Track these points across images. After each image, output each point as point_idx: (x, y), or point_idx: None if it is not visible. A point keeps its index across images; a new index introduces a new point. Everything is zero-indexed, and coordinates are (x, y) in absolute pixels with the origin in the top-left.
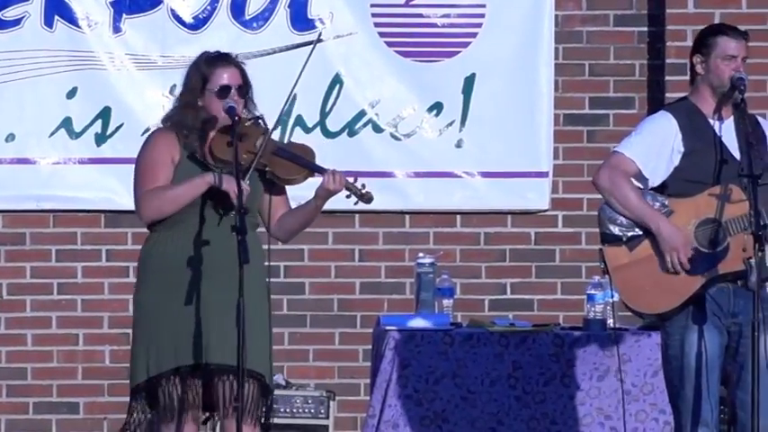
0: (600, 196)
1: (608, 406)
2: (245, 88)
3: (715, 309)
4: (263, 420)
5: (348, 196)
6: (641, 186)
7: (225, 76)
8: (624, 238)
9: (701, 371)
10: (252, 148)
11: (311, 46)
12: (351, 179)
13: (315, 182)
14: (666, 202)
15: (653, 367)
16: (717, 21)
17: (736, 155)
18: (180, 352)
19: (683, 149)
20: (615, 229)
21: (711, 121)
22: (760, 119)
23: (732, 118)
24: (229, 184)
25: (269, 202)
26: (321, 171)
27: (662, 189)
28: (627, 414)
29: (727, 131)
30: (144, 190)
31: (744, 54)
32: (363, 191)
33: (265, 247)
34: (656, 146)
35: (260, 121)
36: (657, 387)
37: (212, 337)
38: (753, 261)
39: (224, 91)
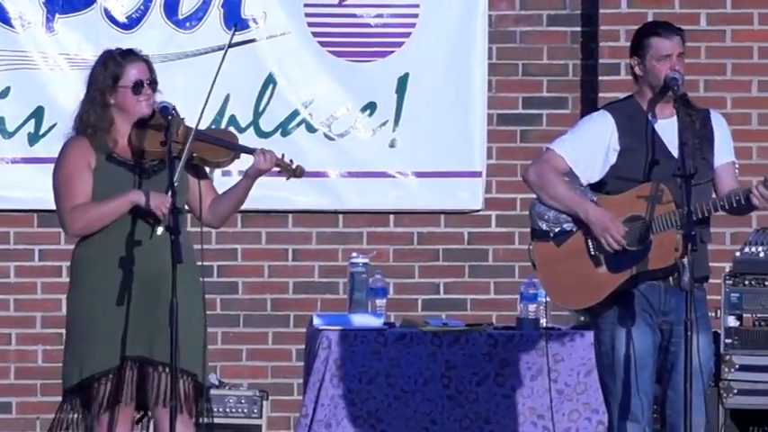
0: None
1: (541, 405)
2: (154, 82)
3: (646, 306)
4: (200, 419)
5: (279, 172)
6: (580, 184)
7: (135, 72)
8: (552, 234)
9: (630, 367)
10: (175, 137)
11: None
12: (279, 155)
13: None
14: (595, 198)
15: (586, 367)
16: (650, 20)
17: (675, 154)
18: (112, 352)
19: (618, 148)
20: (543, 225)
21: (652, 120)
22: (714, 115)
23: (677, 116)
24: (155, 201)
25: (198, 189)
26: (250, 151)
27: (600, 187)
28: (559, 413)
29: (668, 130)
30: (68, 206)
31: (679, 50)
32: (293, 166)
33: (198, 246)
34: (588, 144)
35: (173, 111)
36: (590, 386)
37: (145, 336)
38: (685, 261)
39: (138, 86)
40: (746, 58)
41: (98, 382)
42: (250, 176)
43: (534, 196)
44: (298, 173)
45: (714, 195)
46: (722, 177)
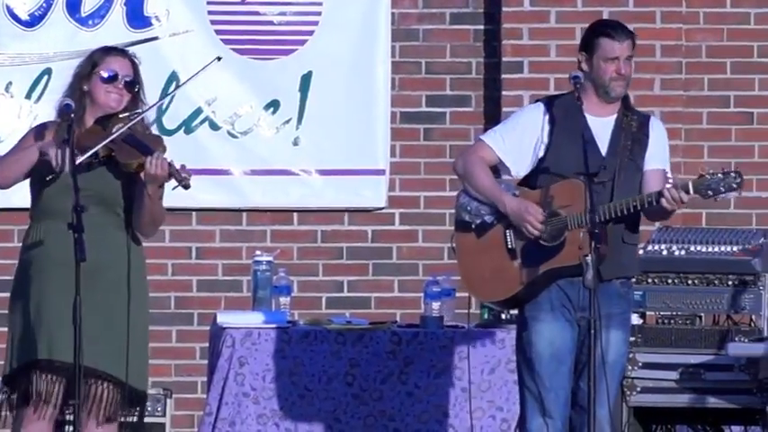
0: (438, 194)
1: (445, 403)
2: (134, 83)
3: (565, 301)
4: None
5: (168, 179)
6: (510, 175)
7: (115, 65)
8: (473, 225)
9: (545, 362)
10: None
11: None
12: (177, 165)
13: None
14: (517, 193)
15: (490, 364)
16: (553, 19)
17: (603, 152)
18: (32, 349)
19: (547, 141)
20: (466, 216)
21: (589, 117)
22: (653, 121)
23: (616, 116)
24: (52, 151)
25: (129, 195)
26: (149, 153)
27: (529, 180)
28: (464, 411)
29: (603, 128)
30: None
31: (627, 54)
32: (184, 178)
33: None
34: (518, 136)
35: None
36: (495, 384)
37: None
38: (589, 259)
39: (110, 77)
40: (649, 57)
41: (23, 375)
42: (146, 183)
43: (438, 194)
44: (185, 184)
45: None
46: (649, 182)
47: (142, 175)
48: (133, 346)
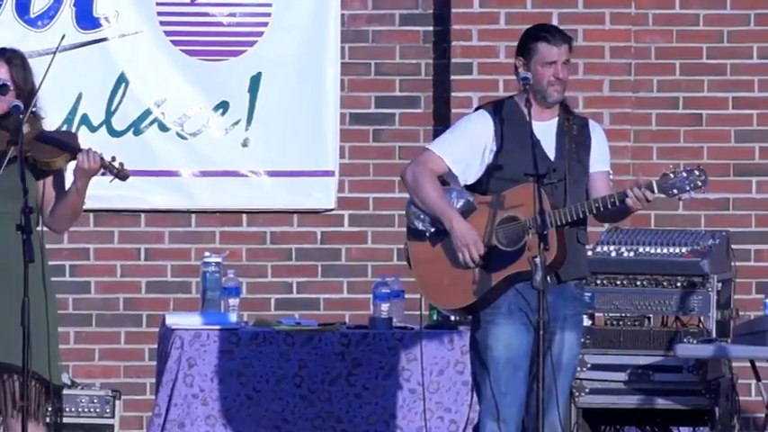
0: (387, 195)
1: (393, 405)
2: (8, 87)
3: (522, 305)
4: (49, 420)
5: (104, 174)
6: (458, 183)
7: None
8: (427, 234)
9: (502, 366)
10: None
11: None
12: (108, 157)
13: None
14: (471, 199)
15: (439, 366)
16: (502, 20)
17: (552, 156)
18: None
19: (495, 148)
20: (419, 225)
21: (531, 122)
22: (592, 124)
23: (557, 120)
24: None
25: (42, 192)
26: (77, 151)
27: (478, 186)
28: (412, 412)
29: (546, 132)
30: None
31: (564, 58)
32: (120, 168)
33: (49, 246)
34: (466, 144)
35: (32, 112)
36: (443, 386)
37: None
38: (537, 260)
39: None
40: (598, 58)
41: None
42: (78, 178)
43: (388, 196)
44: (122, 176)
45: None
46: (595, 184)
47: (73, 170)
48: (51, 341)
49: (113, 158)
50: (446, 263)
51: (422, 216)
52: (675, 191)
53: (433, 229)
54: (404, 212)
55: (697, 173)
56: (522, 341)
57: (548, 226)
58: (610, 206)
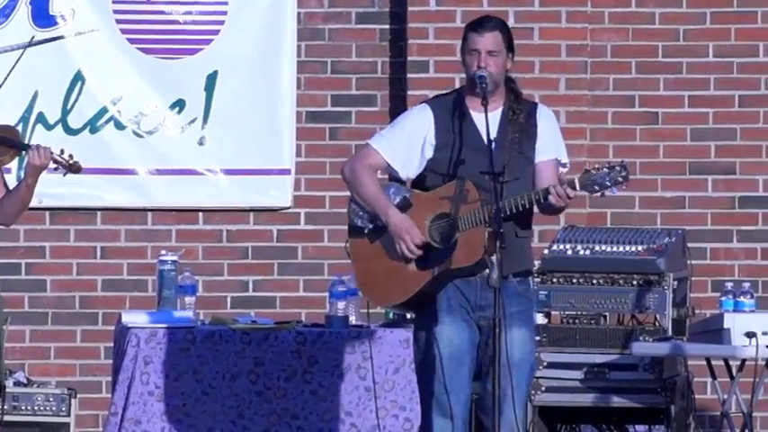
0: (343, 193)
1: (349, 402)
2: None
3: (463, 302)
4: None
5: (56, 169)
6: (400, 178)
7: None
8: (366, 230)
9: (445, 363)
10: None
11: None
12: (57, 151)
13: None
14: (408, 195)
15: (394, 364)
16: (458, 19)
17: (491, 148)
18: None
19: (434, 142)
20: (358, 221)
21: (474, 114)
22: (542, 110)
23: (501, 109)
24: None
25: None
26: (26, 148)
27: (422, 181)
28: (367, 410)
29: (488, 124)
30: None
31: (489, 48)
32: (71, 161)
33: (4, 244)
34: (405, 139)
35: None
36: (399, 384)
37: None
38: (494, 258)
39: None
40: (554, 56)
41: None
42: (29, 174)
43: (344, 194)
44: (74, 169)
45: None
46: (541, 174)
47: (24, 166)
48: None
49: (62, 151)
50: (384, 259)
51: (360, 213)
52: (597, 187)
53: (371, 226)
54: None
55: (618, 169)
56: (463, 337)
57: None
58: (534, 203)
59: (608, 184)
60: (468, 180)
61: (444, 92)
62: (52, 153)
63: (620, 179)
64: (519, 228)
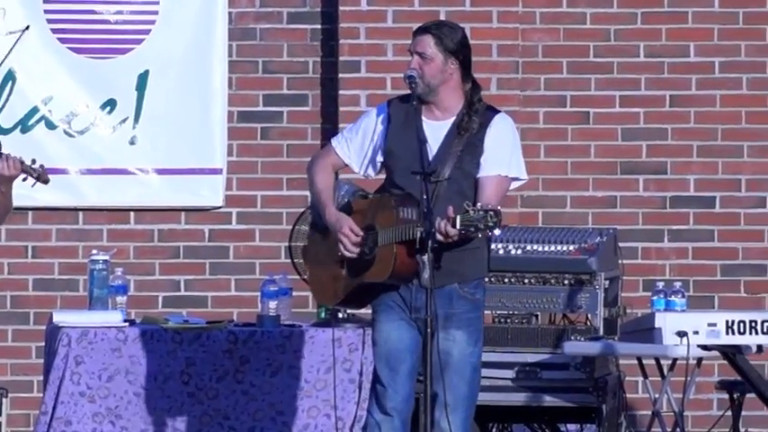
0: (275, 193)
1: (281, 402)
2: None
3: (400, 302)
4: None
5: (25, 179)
6: (362, 177)
7: None
8: (320, 228)
9: (384, 360)
10: None
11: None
12: (28, 161)
13: None
14: (352, 200)
15: (326, 363)
16: (389, 19)
17: (432, 158)
18: None
19: (385, 146)
20: (317, 219)
21: (425, 121)
22: (496, 120)
23: (453, 120)
24: None
25: None
26: None
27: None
28: (299, 410)
29: (437, 132)
30: None
31: (419, 49)
32: (41, 171)
33: None
34: (360, 138)
35: None
36: (330, 383)
37: None
38: (426, 258)
39: None
40: (485, 56)
41: None
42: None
43: (274, 193)
44: (43, 179)
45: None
46: (480, 190)
47: None
48: None
49: (33, 161)
50: (328, 261)
51: (318, 211)
52: (472, 229)
53: (321, 227)
54: (292, 210)
55: (491, 214)
56: (402, 336)
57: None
58: (418, 236)
59: (481, 227)
60: (389, 195)
61: (406, 93)
62: (22, 163)
63: (490, 224)
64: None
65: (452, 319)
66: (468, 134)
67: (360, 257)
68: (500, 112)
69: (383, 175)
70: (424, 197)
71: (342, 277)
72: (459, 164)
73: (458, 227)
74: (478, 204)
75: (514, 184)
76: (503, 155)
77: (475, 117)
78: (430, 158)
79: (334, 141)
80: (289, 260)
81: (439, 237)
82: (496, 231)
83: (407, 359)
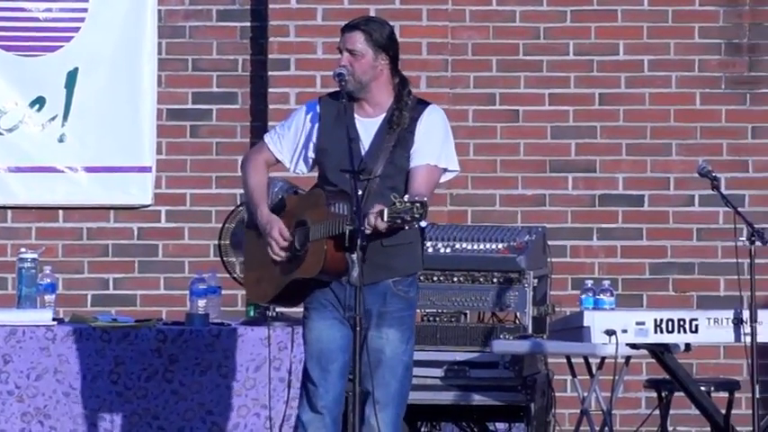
0: (204, 191)
1: (210, 401)
2: None
3: (333, 300)
4: None
5: None
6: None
7: None
8: (253, 226)
9: (315, 359)
10: None
11: None
12: None
13: None
14: (286, 196)
15: (255, 362)
16: (319, 16)
17: (364, 154)
18: None
19: (317, 142)
20: (249, 216)
21: (357, 118)
22: (427, 112)
23: (383, 116)
24: None
25: None
26: None
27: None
28: (229, 409)
29: (369, 128)
30: None
31: (349, 46)
32: None
33: None
34: (292, 134)
35: None
36: (260, 382)
37: None
38: (355, 256)
39: None
40: (415, 54)
41: None
42: None
43: (205, 192)
44: None
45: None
46: (409, 180)
47: None
48: None
49: None
50: (261, 257)
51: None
52: (399, 221)
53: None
54: (221, 208)
55: (418, 205)
56: (334, 335)
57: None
58: (346, 229)
59: (407, 219)
60: (321, 190)
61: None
62: None
63: (416, 216)
64: (387, 237)
65: (385, 317)
66: (400, 128)
67: (291, 254)
68: (431, 104)
69: (316, 173)
70: (356, 195)
71: (274, 274)
72: (392, 159)
73: (385, 219)
74: (406, 196)
75: (447, 176)
76: (433, 145)
77: (405, 111)
78: (362, 155)
79: (266, 137)
80: (217, 258)
81: (368, 230)
82: (423, 223)
83: (339, 358)
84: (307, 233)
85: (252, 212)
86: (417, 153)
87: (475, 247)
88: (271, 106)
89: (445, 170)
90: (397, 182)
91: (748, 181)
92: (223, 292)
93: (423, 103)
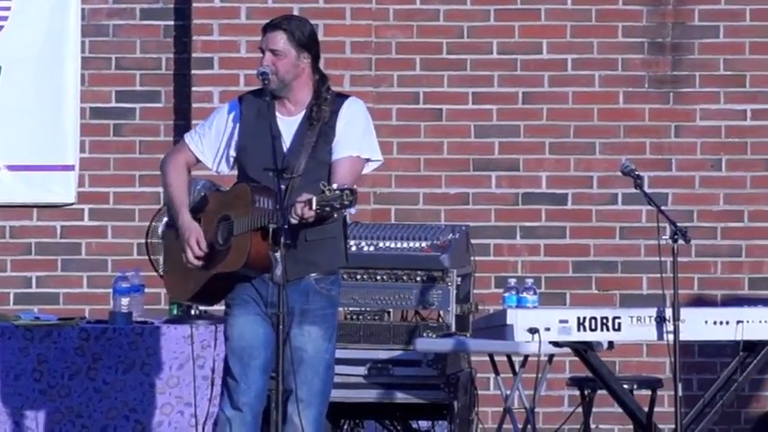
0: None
1: (134, 399)
2: None
3: (256, 297)
4: None
5: None
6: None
7: None
8: (173, 224)
9: (236, 355)
10: None
11: None
12: None
13: None
14: (208, 193)
15: (179, 360)
16: (243, 15)
17: (286, 151)
18: None
19: (238, 142)
20: (170, 215)
21: (278, 116)
22: (347, 104)
23: (303, 112)
24: None
25: None
26: None
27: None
28: (152, 407)
29: (291, 126)
30: None
31: (271, 46)
32: None
33: None
34: (213, 134)
35: None
36: (183, 380)
37: None
38: (278, 254)
39: None
40: (338, 53)
41: None
42: None
43: (126, 191)
44: None
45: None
46: (332, 172)
47: None
48: None
49: None
50: (180, 254)
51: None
52: (328, 209)
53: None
54: (144, 207)
55: (348, 192)
56: (257, 332)
57: (287, 221)
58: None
59: (336, 206)
60: (245, 185)
61: (260, 88)
62: None
63: (346, 203)
64: (310, 231)
65: (308, 315)
66: (321, 123)
67: (213, 249)
68: (350, 96)
69: (236, 172)
70: (280, 193)
71: (195, 270)
72: (314, 154)
73: (314, 207)
74: (335, 184)
75: (370, 166)
76: (354, 136)
77: (325, 106)
78: (285, 153)
79: (187, 137)
80: (141, 257)
81: (294, 219)
82: (352, 210)
83: (261, 354)
84: (230, 228)
85: (172, 215)
86: (339, 145)
87: (398, 245)
88: (194, 105)
89: (368, 160)
90: (322, 176)
91: (671, 180)
92: (146, 290)
93: (342, 96)
